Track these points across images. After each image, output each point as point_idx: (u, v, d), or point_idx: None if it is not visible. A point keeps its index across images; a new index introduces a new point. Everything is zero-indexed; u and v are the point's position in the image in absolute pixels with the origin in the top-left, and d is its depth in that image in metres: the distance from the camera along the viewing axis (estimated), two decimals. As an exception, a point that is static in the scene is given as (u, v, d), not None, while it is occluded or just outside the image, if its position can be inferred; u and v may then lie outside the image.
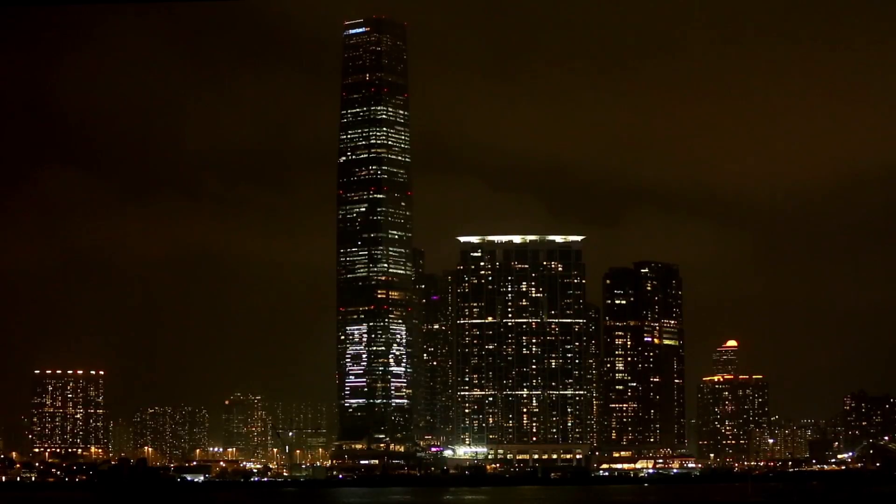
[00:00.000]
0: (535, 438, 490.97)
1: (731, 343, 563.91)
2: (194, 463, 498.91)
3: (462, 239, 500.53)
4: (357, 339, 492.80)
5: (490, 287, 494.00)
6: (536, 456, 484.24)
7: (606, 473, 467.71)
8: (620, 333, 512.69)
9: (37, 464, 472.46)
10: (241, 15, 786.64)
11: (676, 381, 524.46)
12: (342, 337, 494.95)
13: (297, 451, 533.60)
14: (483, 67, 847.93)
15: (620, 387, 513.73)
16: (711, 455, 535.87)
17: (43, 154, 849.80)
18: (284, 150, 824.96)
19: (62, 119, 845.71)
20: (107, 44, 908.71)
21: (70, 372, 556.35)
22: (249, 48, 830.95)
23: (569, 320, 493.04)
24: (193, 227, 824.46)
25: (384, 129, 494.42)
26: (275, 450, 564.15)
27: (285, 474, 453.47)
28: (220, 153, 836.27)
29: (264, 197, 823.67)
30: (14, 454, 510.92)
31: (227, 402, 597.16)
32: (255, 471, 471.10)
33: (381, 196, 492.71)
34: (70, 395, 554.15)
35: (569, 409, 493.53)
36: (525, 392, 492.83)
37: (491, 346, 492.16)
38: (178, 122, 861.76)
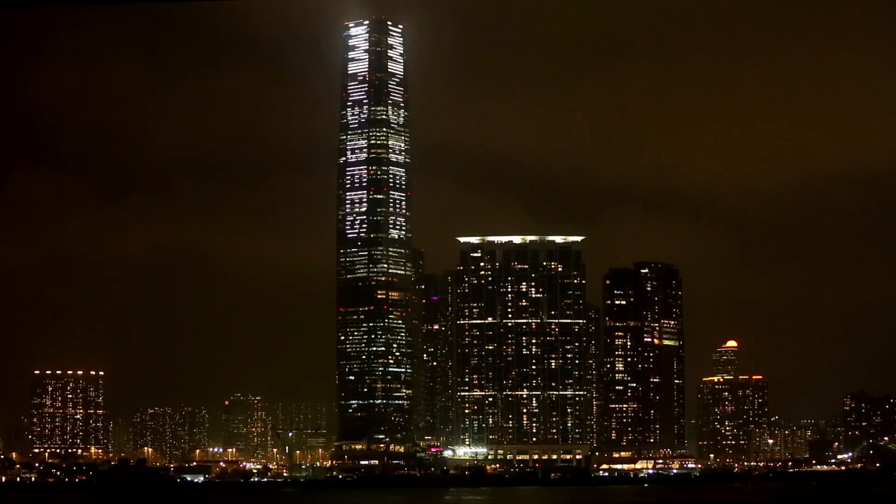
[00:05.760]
0: (535, 439, 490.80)
1: (731, 343, 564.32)
2: (194, 463, 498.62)
3: (462, 239, 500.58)
4: (357, 339, 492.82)
5: (490, 287, 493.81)
6: (536, 456, 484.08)
7: (606, 474, 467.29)
8: (620, 334, 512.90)
9: (37, 464, 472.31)
10: (231, 16, 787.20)
11: (676, 381, 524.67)
12: (342, 337, 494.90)
13: (297, 452, 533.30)
14: (480, 68, 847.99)
15: (620, 387, 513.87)
16: (711, 455, 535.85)
17: (17, 156, 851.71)
18: (278, 150, 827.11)
19: (36, 121, 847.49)
20: (80, 45, 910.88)
21: (70, 372, 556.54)
22: (243, 50, 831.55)
23: (569, 320, 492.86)
24: (176, 227, 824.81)
25: (384, 129, 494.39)
26: (275, 450, 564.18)
27: (285, 475, 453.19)
28: (200, 154, 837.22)
29: (250, 197, 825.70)
30: (14, 454, 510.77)
31: (227, 403, 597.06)
32: (254, 471, 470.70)
33: (381, 196, 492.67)
34: (70, 396, 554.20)
35: (569, 410, 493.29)
36: (525, 392, 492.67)
37: (491, 347, 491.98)
38: (163, 122, 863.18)
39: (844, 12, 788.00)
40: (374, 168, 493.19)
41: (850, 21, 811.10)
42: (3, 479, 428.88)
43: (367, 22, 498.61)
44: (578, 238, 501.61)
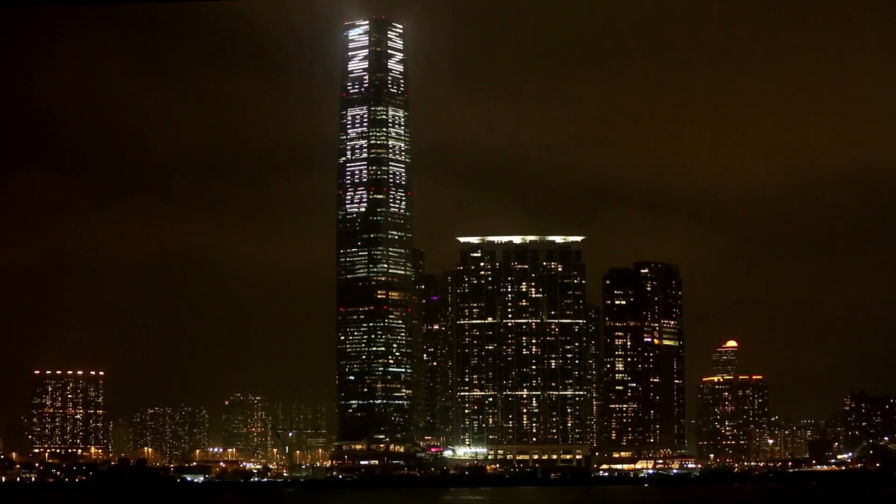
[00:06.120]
0: (535, 439, 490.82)
1: (731, 343, 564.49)
2: (194, 463, 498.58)
3: (462, 239, 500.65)
4: (357, 339, 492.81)
5: (490, 287, 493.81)
6: (536, 456, 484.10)
7: (606, 474, 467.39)
8: (620, 334, 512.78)
9: (37, 464, 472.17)
10: (230, 16, 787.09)
11: (676, 381, 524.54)
12: (342, 337, 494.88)
13: (297, 452, 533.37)
14: (480, 68, 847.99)
15: (620, 387, 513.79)
16: (711, 455, 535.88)
17: (18, 156, 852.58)
18: (278, 150, 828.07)
19: (36, 121, 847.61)
20: (80, 46, 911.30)
21: (70, 372, 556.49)
22: (243, 50, 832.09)
23: (569, 321, 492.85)
24: (176, 227, 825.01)
25: (384, 129, 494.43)
26: (275, 450, 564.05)
27: (285, 475, 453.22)
28: (200, 154, 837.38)
29: (249, 197, 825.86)
30: (14, 454, 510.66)
31: (227, 403, 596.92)
32: (255, 471, 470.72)
33: (381, 196, 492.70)
34: (70, 396, 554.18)
35: (569, 410, 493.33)
36: (525, 392, 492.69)
37: (491, 347, 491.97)
38: (162, 122, 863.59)
39: (844, 12, 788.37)
40: (374, 168, 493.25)
41: (850, 21, 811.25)
42: (3, 479, 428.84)
43: (367, 22, 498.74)
44: (578, 238, 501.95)
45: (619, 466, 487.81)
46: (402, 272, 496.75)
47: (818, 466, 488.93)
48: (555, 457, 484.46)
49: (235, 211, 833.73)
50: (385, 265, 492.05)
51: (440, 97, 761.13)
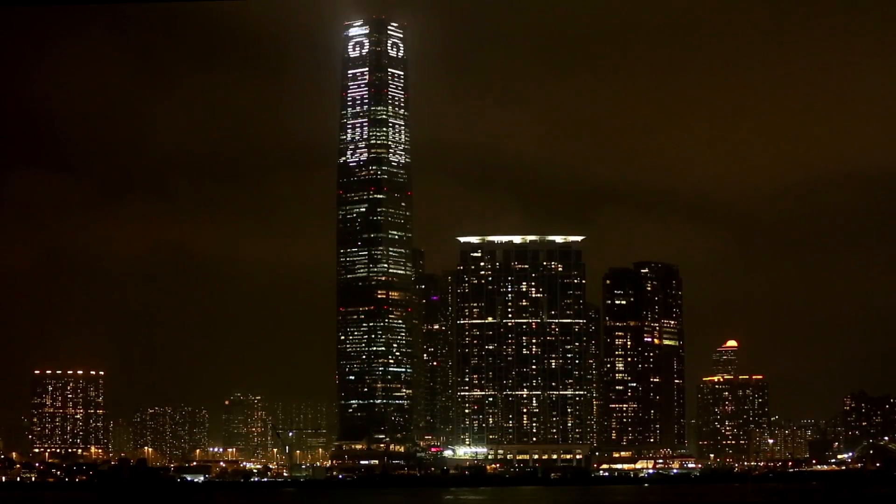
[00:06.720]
0: (535, 438, 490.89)
1: (731, 343, 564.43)
2: (194, 463, 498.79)
3: (462, 239, 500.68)
4: (357, 339, 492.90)
5: (490, 287, 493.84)
6: (536, 456, 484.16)
7: (606, 474, 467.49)
8: (620, 334, 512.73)
9: (37, 464, 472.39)
10: (230, 16, 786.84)
11: (676, 381, 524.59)
12: (342, 337, 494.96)
13: (297, 452, 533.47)
14: (480, 68, 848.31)
15: (620, 387, 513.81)
16: (711, 455, 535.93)
17: (17, 156, 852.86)
18: (278, 150, 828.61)
19: (36, 122, 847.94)
20: (79, 47, 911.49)
21: (70, 372, 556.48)
22: (243, 50, 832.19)
23: (569, 320, 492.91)
24: (175, 227, 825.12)
25: (384, 129, 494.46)
26: (275, 450, 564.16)
27: (285, 474, 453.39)
28: (199, 154, 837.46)
29: (249, 197, 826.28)
30: (14, 454, 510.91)
31: (227, 402, 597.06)
32: (255, 471, 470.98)
33: (381, 196, 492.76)
34: (70, 395, 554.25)
35: (569, 410, 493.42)
36: (525, 392, 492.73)
37: (491, 347, 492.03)
38: (162, 122, 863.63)
39: (843, 12, 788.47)
40: (374, 168, 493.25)
41: (849, 21, 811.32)
42: (3, 479, 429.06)
43: (366, 22, 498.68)
44: (578, 238, 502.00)
45: (619, 466, 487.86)
46: (402, 272, 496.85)
47: (818, 466, 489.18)
48: (555, 457, 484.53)
49: (235, 211, 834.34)
50: (385, 265, 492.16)
51: (440, 97, 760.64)
